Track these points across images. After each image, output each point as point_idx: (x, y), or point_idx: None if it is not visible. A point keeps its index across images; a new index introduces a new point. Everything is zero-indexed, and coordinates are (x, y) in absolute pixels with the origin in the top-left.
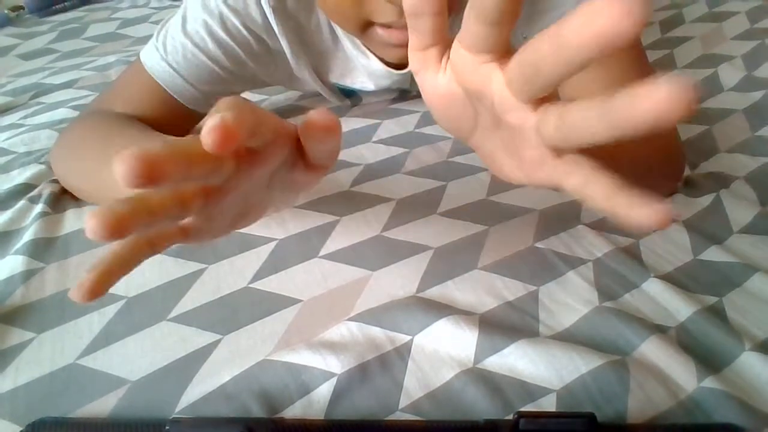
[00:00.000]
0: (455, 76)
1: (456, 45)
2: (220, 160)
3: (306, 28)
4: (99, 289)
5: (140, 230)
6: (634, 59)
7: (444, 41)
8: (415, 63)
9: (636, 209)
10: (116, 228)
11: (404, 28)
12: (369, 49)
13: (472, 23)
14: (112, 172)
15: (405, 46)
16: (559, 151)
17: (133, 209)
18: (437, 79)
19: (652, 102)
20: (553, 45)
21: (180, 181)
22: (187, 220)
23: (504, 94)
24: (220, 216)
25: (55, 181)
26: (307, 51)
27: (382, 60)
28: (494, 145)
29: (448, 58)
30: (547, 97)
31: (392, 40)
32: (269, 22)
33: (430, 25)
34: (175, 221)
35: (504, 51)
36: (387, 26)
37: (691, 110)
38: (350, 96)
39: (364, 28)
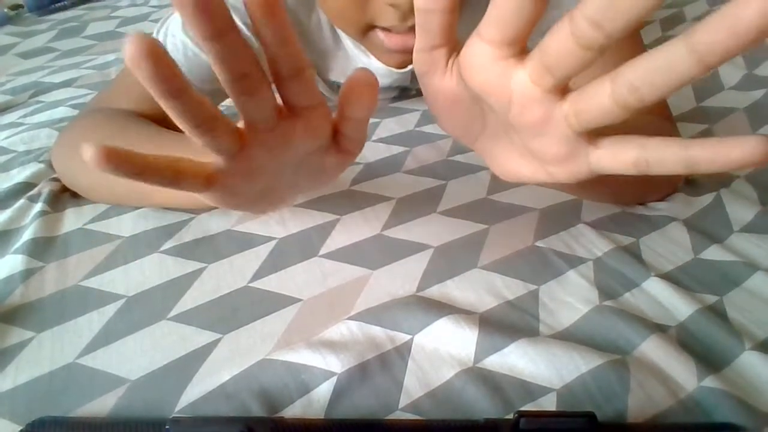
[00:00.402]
0: (466, 76)
1: (472, 41)
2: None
3: (306, 26)
4: (110, 158)
5: (176, 107)
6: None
7: (452, 42)
8: (421, 64)
9: (730, 150)
10: (151, 51)
11: (404, 32)
12: None
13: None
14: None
15: (404, 51)
16: (591, 138)
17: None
18: (443, 81)
19: (759, 3)
20: None
21: (218, 43)
22: (215, 165)
23: (526, 88)
24: (247, 182)
25: (55, 180)
26: (308, 49)
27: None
28: (504, 148)
29: (455, 60)
30: (564, 88)
31: (391, 45)
32: None
33: (441, 23)
34: (204, 139)
35: (523, 47)
36: (388, 30)
37: None
38: None
39: (365, 31)
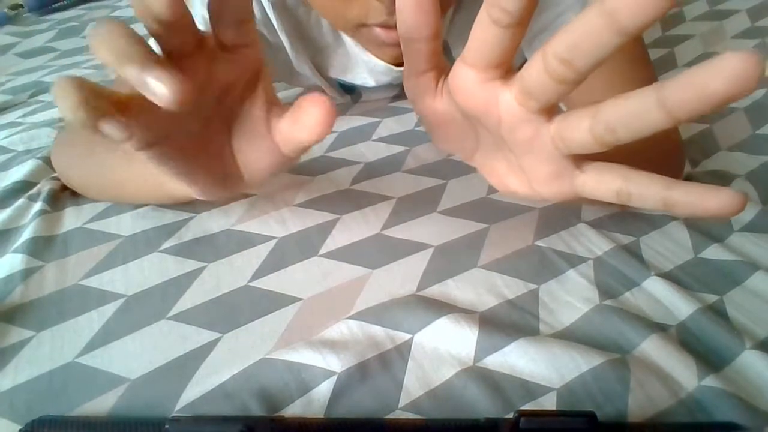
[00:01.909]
0: (456, 98)
1: (458, 66)
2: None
3: (306, 23)
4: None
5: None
6: (636, 58)
7: (439, 66)
8: (411, 90)
9: (709, 199)
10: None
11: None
12: None
13: (485, 28)
14: (118, 168)
15: (399, 45)
16: (578, 161)
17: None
18: (434, 103)
19: (724, 77)
20: (600, 18)
21: None
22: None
23: (513, 109)
24: (171, 139)
25: (55, 179)
26: (307, 46)
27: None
28: (498, 164)
29: (444, 82)
30: (551, 109)
31: (387, 39)
32: (268, 17)
33: (425, 50)
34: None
35: (508, 68)
36: (380, 26)
37: (756, 84)
38: (351, 92)
39: (356, 27)
